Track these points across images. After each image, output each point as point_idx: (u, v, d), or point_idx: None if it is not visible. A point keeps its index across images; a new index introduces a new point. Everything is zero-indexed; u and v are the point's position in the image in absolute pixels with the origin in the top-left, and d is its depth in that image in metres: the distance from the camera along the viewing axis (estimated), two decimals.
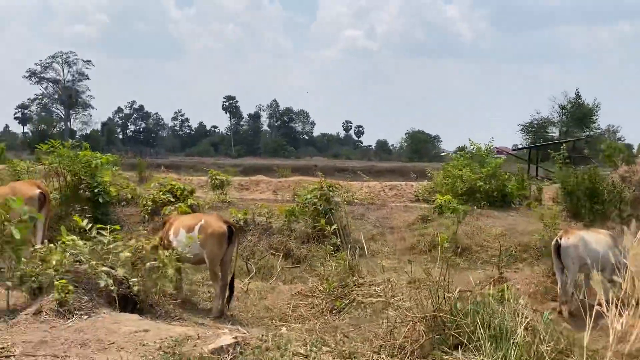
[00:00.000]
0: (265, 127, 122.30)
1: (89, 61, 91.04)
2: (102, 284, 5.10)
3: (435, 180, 19.53)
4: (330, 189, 12.36)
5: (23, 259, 5.25)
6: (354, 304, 6.50)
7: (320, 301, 6.83)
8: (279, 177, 26.93)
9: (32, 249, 5.49)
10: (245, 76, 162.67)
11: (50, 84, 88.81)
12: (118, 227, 6.23)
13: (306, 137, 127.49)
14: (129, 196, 13.85)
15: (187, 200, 12.93)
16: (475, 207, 15.17)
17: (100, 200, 12.25)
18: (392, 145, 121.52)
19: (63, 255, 5.25)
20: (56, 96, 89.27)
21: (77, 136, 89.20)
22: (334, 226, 7.79)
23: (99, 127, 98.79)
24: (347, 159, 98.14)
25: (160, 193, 13.06)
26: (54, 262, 5.11)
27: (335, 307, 6.56)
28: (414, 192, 21.24)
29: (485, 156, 17.72)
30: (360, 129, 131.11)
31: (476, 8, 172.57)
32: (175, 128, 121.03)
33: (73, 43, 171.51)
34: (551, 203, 16.79)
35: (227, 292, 7.43)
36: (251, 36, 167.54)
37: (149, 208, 12.83)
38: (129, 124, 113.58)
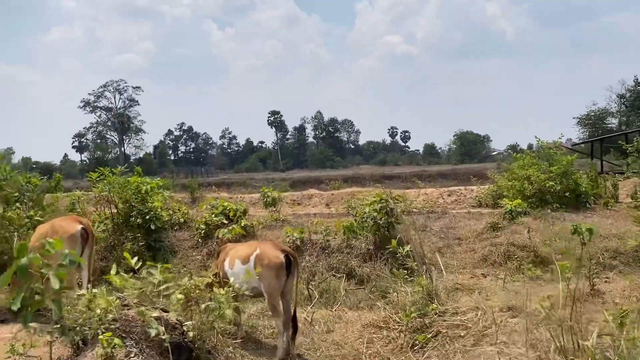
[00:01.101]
0: (310, 139, 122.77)
1: (138, 87, 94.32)
2: (153, 332, 4.43)
3: (499, 182, 18.23)
4: (392, 200, 11.46)
5: (66, 307, 4.65)
6: (439, 337, 5.59)
7: (398, 334, 5.95)
8: (331, 189, 26.21)
9: (76, 294, 4.89)
10: (288, 90, 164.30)
11: (104, 112, 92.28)
12: (169, 265, 5.59)
13: (352, 146, 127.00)
14: (182, 220, 13.41)
15: (241, 222, 12.36)
16: (549, 211, 13.90)
17: (152, 226, 11.84)
18: (440, 148, 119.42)
19: (109, 301, 4.63)
20: (109, 123, 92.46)
21: (131, 160, 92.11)
22: (407, 247, 6.87)
23: (151, 150, 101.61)
24: (395, 165, 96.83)
25: (213, 215, 12.54)
26: (98, 311, 4.50)
27: (417, 342, 5.66)
28: (475, 197, 20.01)
29: (554, 153, 16.29)
30: (407, 134, 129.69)
31: (517, 3, 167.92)
32: (224, 146, 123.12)
33: (122, 71, 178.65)
34: (630, 200, 15.25)
35: (291, 328, 6.69)
36: (291, 51, 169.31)
37: (202, 232, 12.33)
38: (179, 145, 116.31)
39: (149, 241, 11.84)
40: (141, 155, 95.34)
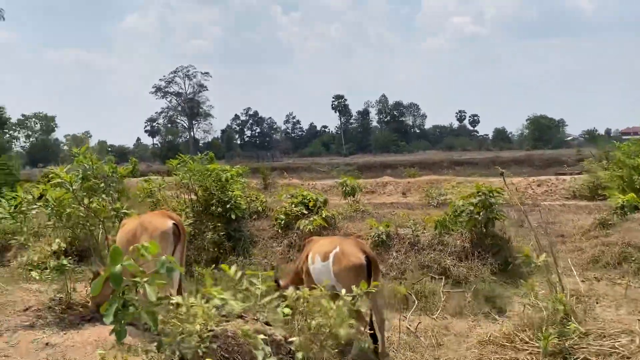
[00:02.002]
0: (374, 123, 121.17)
1: (207, 73, 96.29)
2: (260, 357, 3.78)
3: (597, 172, 16.60)
4: (491, 194, 10.37)
5: (160, 318, 4.08)
6: None
7: (529, 358, 5.03)
8: (406, 176, 25.15)
9: (169, 302, 4.30)
10: (352, 74, 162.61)
11: (174, 97, 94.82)
12: (271, 272, 4.95)
13: (417, 131, 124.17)
14: (259, 209, 12.92)
15: (322, 212, 11.69)
16: None
17: (233, 216, 11.39)
18: (511, 133, 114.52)
19: (209, 314, 4.01)
20: (179, 108, 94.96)
21: (200, 144, 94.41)
22: (542, 257, 5.80)
23: (218, 134, 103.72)
24: (464, 150, 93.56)
25: (293, 205, 11.94)
26: (197, 327, 3.89)
27: None
28: (568, 187, 18.44)
29: None
30: (475, 118, 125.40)
31: None
32: (288, 130, 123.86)
33: (191, 57, 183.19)
34: None
35: (379, 335, 6.13)
36: (356, 33, 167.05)
37: (282, 222, 11.76)
38: (245, 130, 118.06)
39: (229, 230, 11.41)
40: (209, 140, 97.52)
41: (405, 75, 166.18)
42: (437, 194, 18.06)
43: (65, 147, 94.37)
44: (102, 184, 6.77)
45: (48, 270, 6.26)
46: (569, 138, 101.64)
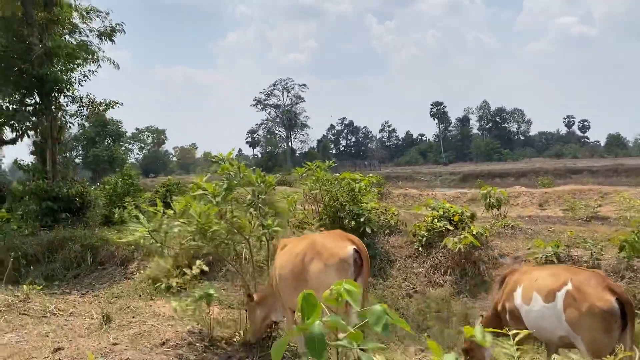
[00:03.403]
0: (475, 130, 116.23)
1: (304, 85, 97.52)
2: None
3: None
4: None
5: None
6: None
7: None
8: (541, 186, 22.61)
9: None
10: (450, 81, 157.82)
11: (273, 109, 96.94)
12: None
13: (522, 138, 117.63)
14: (391, 222, 11.51)
15: (471, 229, 10.04)
16: None
17: (368, 230, 10.08)
18: (626, 138, 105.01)
19: None
20: (278, 120, 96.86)
21: (297, 154, 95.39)
22: None
23: (315, 144, 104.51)
24: (574, 157, 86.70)
25: (435, 220, 10.39)
26: None
27: None
28: None
29: None
30: (585, 123, 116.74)
31: None
32: (383, 139, 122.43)
33: (289, 70, 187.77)
34: None
35: None
36: (453, 39, 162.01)
37: (424, 239, 10.25)
38: (340, 139, 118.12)
39: None
40: (306, 150, 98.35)
41: (507, 81, 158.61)
42: (584, 205, 15.68)
43: (175, 159, 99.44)
44: (249, 196, 5.69)
45: (189, 299, 5.25)
46: None
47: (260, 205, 5.73)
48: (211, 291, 5.37)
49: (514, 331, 2.74)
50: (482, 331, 2.65)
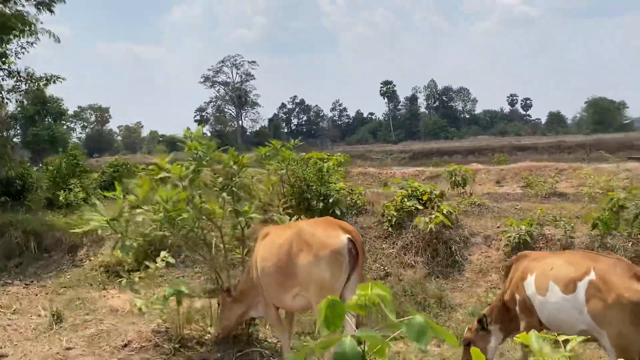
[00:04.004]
0: (422, 109, 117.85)
1: (254, 62, 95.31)
2: None
3: None
4: None
5: None
6: None
7: None
8: (496, 164, 22.82)
9: None
10: (400, 60, 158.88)
11: (222, 86, 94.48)
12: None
13: (467, 116, 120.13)
14: (359, 203, 11.12)
15: (441, 208, 9.76)
16: None
17: (337, 211, 9.64)
18: (566, 116, 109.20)
19: None
20: (227, 97, 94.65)
21: (247, 133, 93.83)
22: None
23: (266, 123, 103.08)
24: (517, 135, 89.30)
25: (405, 199, 10.06)
26: None
27: None
28: None
29: None
30: (528, 101, 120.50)
31: None
32: (334, 118, 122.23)
33: (238, 47, 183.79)
34: None
35: None
36: (403, 19, 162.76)
37: (393, 219, 9.90)
38: (292, 118, 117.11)
39: None
40: (257, 129, 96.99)
41: (455, 60, 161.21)
42: (542, 182, 15.83)
43: (119, 138, 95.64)
44: (221, 179, 5.08)
45: (155, 297, 4.63)
46: (627, 121, 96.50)
47: (234, 189, 5.12)
48: (182, 288, 4.76)
49: (564, 337, 2.33)
50: (537, 339, 2.23)
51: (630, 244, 8.18)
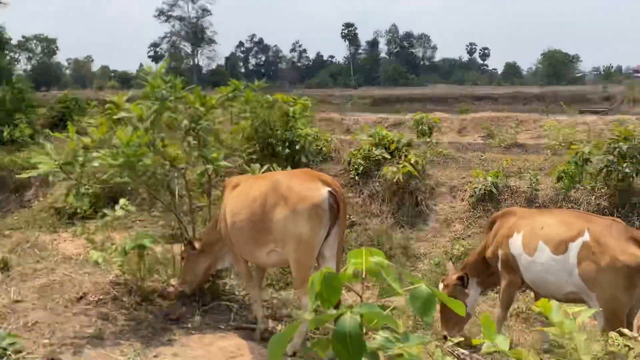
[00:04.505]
0: (383, 54, 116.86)
1: None
2: None
3: None
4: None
5: None
6: None
7: None
8: (459, 113, 22.79)
9: None
10: (362, 1, 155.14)
11: (177, 21, 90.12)
12: None
13: (427, 63, 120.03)
14: (324, 150, 10.83)
15: (408, 157, 9.59)
16: None
17: (304, 159, 9.33)
18: (521, 67, 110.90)
19: None
20: (183, 33, 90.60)
21: (203, 72, 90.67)
22: None
23: (222, 62, 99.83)
24: (474, 84, 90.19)
25: (373, 148, 9.82)
26: None
27: None
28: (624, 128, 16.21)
29: None
30: (486, 51, 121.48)
31: None
32: (294, 60, 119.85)
33: None
34: None
35: None
36: None
37: (360, 168, 9.68)
38: (250, 58, 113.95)
39: None
40: (214, 67, 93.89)
41: (416, 6, 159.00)
42: (504, 132, 15.94)
43: (68, 72, 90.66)
44: (185, 121, 4.62)
45: (115, 249, 4.25)
46: (579, 74, 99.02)
47: (201, 133, 4.68)
48: (146, 242, 4.38)
49: (576, 308, 2.15)
50: (557, 310, 2.04)
51: (593, 198, 8.27)
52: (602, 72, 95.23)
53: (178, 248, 5.22)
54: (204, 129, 4.67)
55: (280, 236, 4.20)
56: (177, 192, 4.99)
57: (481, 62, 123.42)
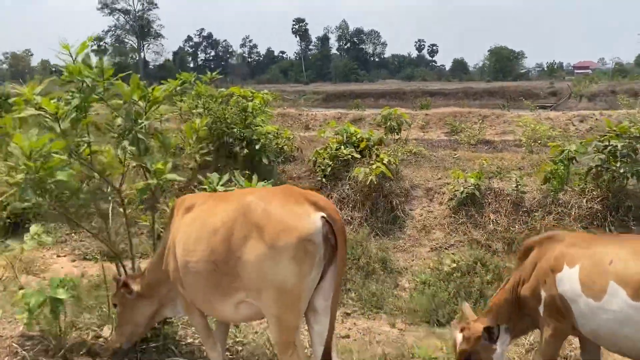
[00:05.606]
0: (334, 50, 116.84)
1: None
2: None
3: None
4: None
5: None
6: None
7: None
8: (419, 108, 22.14)
9: None
10: None
11: (122, 14, 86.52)
12: None
13: (376, 59, 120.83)
14: (285, 149, 9.78)
15: (381, 157, 8.66)
16: None
17: (265, 160, 8.22)
18: (468, 64, 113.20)
19: None
20: (128, 27, 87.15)
21: (150, 66, 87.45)
22: None
23: (170, 57, 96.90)
24: (424, 80, 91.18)
25: (342, 147, 8.83)
26: None
27: None
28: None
29: None
30: (434, 47, 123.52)
31: None
32: (244, 55, 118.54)
33: None
34: None
35: None
36: None
37: (328, 169, 8.67)
38: (199, 53, 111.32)
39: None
40: (161, 62, 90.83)
41: (366, 2, 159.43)
42: (468, 128, 15.35)
43: (5, 66, 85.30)
44: (120, 120, 3.44)
45: (33, 304, 3.03)
46: (523, 70, 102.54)
47: (140, 136, 3.43)
48: (61, 294, 3.12)
49: None
50: None
51: (584, 201, 7.56)
52: (546, 69, 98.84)
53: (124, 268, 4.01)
54: (145, 130, 3.46)
55: (254, 283, 3.02)
56: (110, 212, 3.77)
57: (430, 58, 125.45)
